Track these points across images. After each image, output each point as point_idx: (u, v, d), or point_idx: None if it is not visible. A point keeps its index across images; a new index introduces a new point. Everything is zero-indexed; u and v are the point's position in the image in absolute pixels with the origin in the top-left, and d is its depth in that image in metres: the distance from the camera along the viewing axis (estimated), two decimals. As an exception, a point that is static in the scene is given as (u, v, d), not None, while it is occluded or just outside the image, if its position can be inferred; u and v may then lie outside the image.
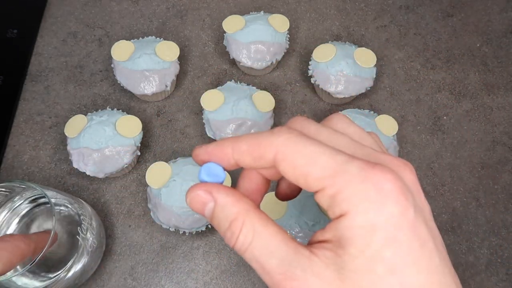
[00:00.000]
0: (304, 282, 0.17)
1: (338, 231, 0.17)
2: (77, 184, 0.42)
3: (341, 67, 0.43)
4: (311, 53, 0.45)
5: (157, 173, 0.38)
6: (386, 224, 0.17)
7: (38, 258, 0.28)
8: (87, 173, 0.39)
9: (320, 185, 0.17)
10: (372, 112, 0.43)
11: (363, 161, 0.17)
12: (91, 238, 0.34)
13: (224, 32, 0.46)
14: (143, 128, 0.43)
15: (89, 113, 0.42)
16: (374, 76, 0.44)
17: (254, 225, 0.18)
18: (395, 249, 0.17)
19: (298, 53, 0.50)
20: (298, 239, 0.36)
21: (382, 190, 0.17)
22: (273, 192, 0.38)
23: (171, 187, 0.37)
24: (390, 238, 0.17)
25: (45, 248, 0.28)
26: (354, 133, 0.21)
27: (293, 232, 0.36)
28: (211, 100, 0.41)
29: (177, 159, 0.40)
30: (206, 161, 0.21)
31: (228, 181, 0.39)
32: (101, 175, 0.40)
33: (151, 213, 0.38)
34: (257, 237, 0.18)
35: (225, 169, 0.21)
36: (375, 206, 0.17)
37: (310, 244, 0.19)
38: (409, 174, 0.19)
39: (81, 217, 0.34)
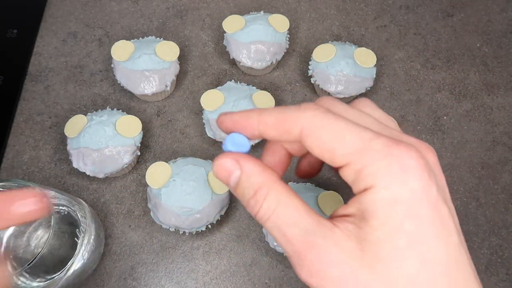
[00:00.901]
0: (324, 250, 0.17)
1: (361, 204, 0.18)
2: (77, 184, 0.42)
3: (341, 67, 0.43)
4: (311, 53, 0.45)
5: (157, 173, 0.38)
6: (408, 198, 0.17)
7: (36, 258, 0.28)
8: (87, 173, 0.39)
9: (345, 161, 0.18)
10: (372, 112, 0.43)
11: (388, 138, 0.18)
12: (90, 238, 0.34)
13: (224, 32, 0.46)
14: (143, 128, 0.43)
15: (89, 113, 0.42)
16: (374, 76, 0.44)
17: (278, 195, 0.19)
18: (416, 223, 0.17)
19: (298, 53, 0.50)
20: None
21: (406, 166, 0.17)
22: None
23: (171, 187, 0.37)
24: (411, 212, 0.17)
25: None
26: (380, 117, 0.21)
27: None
28: (211, 100, 0.41)
29: (177, 159, 0.40)
30: (230, 128, 0.21)
31: None
32: (101, 175, 0.40)
33: (151, 213, 0.38)
34: (281, 206, 0.19)
35: (249, 140, 0.21)
36: (398, 181, 0.17)
37: (331, 218, 0.19)
38: (432, 156, 0.20)
39: (81, 217, 0.34)
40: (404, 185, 0.17)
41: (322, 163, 0.24)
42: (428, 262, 0.17)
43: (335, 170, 0.21)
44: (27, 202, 0.20)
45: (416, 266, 0.17)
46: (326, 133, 0.18)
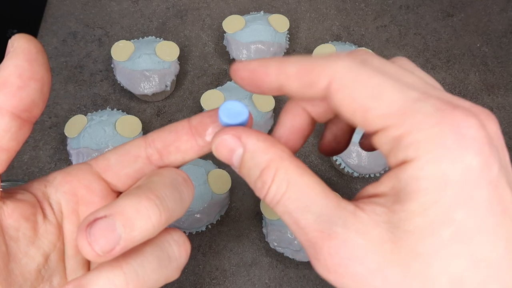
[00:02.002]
0: (344, 241, 0.14)
1: (399, 181, 0.14)
2: (77, 184, 0.42)
3: (341, 67, 0.43)
4: (311, 53, 0.45)
5: (157, 173, 0.38)
6: (462, 178, 0.13)
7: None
8: (87, 173, 0.39)
9: (383, 123, 0.14)
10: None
11: (440, 100, 0.14)
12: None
13: (224, 32, 0.46)
14: (143, 128, 0.43)
15: (89, 113, 0.42)
16: (374, 76, 0.44)
17: (288, 174, 0.15)
18: (469, 210, 0.13)
19: (298, 53, 0.50)
20: (298, 240, 0.36)
21: (463, 136, 0.13)
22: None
23: (171, 187, 0.37)
24: (464, 197, 0.13)
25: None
26: (424, 77, 0.16)
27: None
28: (211, 100, 0.41)
29: (177, 159, 0.40)
30: (246, 78, 0.17)
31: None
32: (101, 175, 0.40)
33: (151, 213, 0.38)
34: (291, 187, 0.15)
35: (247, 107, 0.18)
36: (452, 154, 0.13)
37: (357, 199, 0.15)
38: (493, 126, 0.15)
39: (81, 217, 0.34)
40: (458, 161, 0.13)
41: (350, 135, 0.20)
42: (481, 262, 0.13)
43: (367, 140, 0.17)
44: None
45: (464, 266, 0.13)
46: (361, 87, 0.14)
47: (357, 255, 0.14)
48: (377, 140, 0.15)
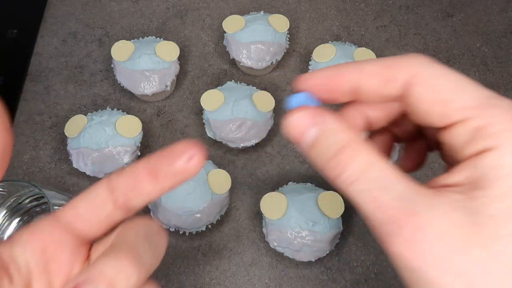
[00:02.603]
0: (430, 220, 0.14)
1: (478, 169, 0.14)
2: (77, 184, 0.42)
3: (341, 67, 0.43)
4: (311, 53, 0.45)
5: (157, 173, 0.38)
6: None
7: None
8: (87, 173, 0.39)
9: (463, 115, 0.15)
10: (372, 112, 0.43)
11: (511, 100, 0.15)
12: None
13: (224, 32, 0.46)
14: (143, 128, 0.43)
15: (89, 113, 0.42)
16: (374, 76, 0.44)
17: (369, 154, 0.15)
18: None
19: (298, 53, 0.50)
20: (298, 239, 0.36)
21: None
22: (273, 193, 0.38)
23: (171, 187, 0.37)
24: None
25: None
26: None
27: (294, 232, 0.36)
28: (211, 100, 0.41)
29: (177, 159, 0.40)
30: (319, 84, 0.17)
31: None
32: (101, 175, 0.40)
33: (151, 213, 0.38)
34: (372, 167, 0.15)
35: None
36: None
37: (430, 188, 0.15)
38: None
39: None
40: None
41: (426, 148, 0.21)
42: None
43: (433, 137, 0.18)
44: (189, 155, 0.17)
45: None
46: (443, 81, 0.15)
47: (442, 235, 0.14)
48: (454, 133, 0.15)
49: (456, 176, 0.15)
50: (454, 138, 0.15)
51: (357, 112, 0.19)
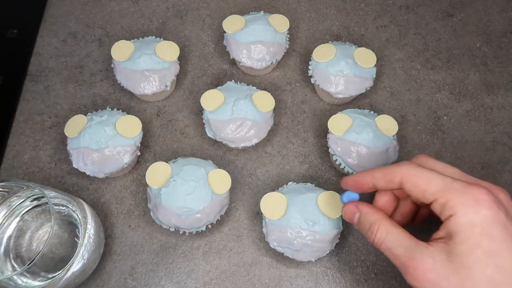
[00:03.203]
0: (421, 261, 0.25)
1: (448, 228, 0.25)
2: (77, 184, 0.42)
3: (341, 67, 0.43)
4: (311, 53, 0.45)
5: (157, 173, 0.38)
6: (482, 222, 0.24)
7: (36, 258, 0.28)
8: (87, 173, 0.39)
9: (434, 197, 0.26)
10: (372, 112, 0.43)
11: (464, 182, 0.26)
12: (90, 238, 0.34)
13: (224, 32, 0.46)
14: (143, 128, 0.43)
15: (89, 113, 0.42)
16: (374, 76, 0.44)
17: (387, 227, 0.28)
18: (490, 239, 0.24)
19: (298, 53, 0.50)
20: (298, 239, 0.36)
21: (478, 199, 0.25)
22: (273, 193, 0.38)
23: (171, 187, 0.37)
24: (485, 232, 0.24)
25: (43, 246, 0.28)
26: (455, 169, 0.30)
27: (294, 232, 0.36)
28: (211, 100, 0.41)
29: (177, 159, 0.40)
30: (352, 185, 0.32)
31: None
32: (101, 175, 0.40)
33: (151, 213, 0.38)
34: (389, 234, 0.27)
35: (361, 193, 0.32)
36: (473, 209, 0.24)
37: (428, 242, 0.26)
38: (503, 194, 0.27)
39: (81, 217, 0.34)
40: (478, 212, 0.24)
41: (412, 216, 0.33)
42: (503, 269, 0.23)
43: (426, 208, 0.31)
44: None
45: (493, 271, 0.23)
46: (420, 179, 0.27)
47: (430, 268, 0.25)
48: (433, 207, 0.27)
49: (440, 232, 0.26)
50: (434, 210, 0.27)
51: (385, 196, 0.32)
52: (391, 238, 0.27)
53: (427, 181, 0.27)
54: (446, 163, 0.30)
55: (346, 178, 0.32)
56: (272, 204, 0.37)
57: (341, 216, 0.37)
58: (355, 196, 0.32)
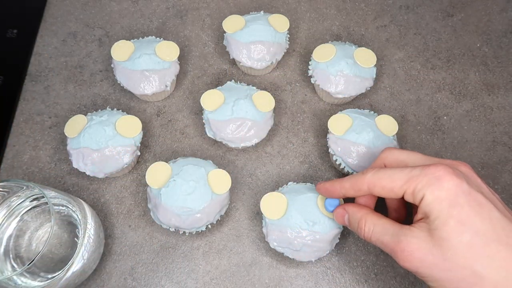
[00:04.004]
0: (407, 242, 0.27)
1: (422, 209, 0.27)
2: (77, 184, 0.42)
3: (341, 67, 0.43)
4: (311, 53, 0.45)
5: (157, 173, 0.38)
6: (447, 195, 0.26)
7: (36, 258, 0.28)
8: (87, 173, 0.39)
9: (402, 191, 0.28)
10: (372, 112, 0.43)
11: (421, 166, 0.28)
12: (90, 239, 0.34)
13: (224, 32, 0.46)
14: (143, 128, 0.43)
15: (89, 113, 0.42)
16: (374, 76, 0.44)
17: (372, 219, 0.30)
18: (459, 209, 0.26)
19: (298, 53, 0.50)
20: (298, 239, 0.36)
21: (439, 176, 0.27)
22: (273, 193, 0.38)
23: (171, 187, 0.37)
24: (452, 202, 0.26)
25: (43, 246, 0.28)
26: (421, 156, 0.32)
27: (294, 232, 0.36)
28: (211, 100, 0.41)
29: (177, 159, 0.40)
30: (324, 192, 0.34)
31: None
32: (101, 175, 0.40)
33: (151, 213, 0.38)
34: (375, 225, 0.30)
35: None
36: (437, 187, 0.26)
37: (410, 225, 0.29)
38: (463, 166, 0.29)
39: (81, 217, 0.34)
40: (441, 187, 0.26)
41: (405, 209, 0.35)
42: (478, 233, 0.25)
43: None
44: None
45: (469, 236, 0.25)
46: (384, 181, 0.29)
47: (416, 247, 0.27)
48: (406, 199, 0.29)
49: (418, 215, 0.28)
50: (408, 200, 0.29)
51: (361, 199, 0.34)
52: (378, 229, 0.29)
53: (391, 179, 0.29)
54: (409, 151, 0.32)
55: (319, 185, 0.34)
56: (272, 204, 0.37)
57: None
58: (336, 203, 0.35)
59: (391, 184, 0.29)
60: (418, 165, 0.28)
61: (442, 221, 0.26)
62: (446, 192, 0.26)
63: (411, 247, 0.27)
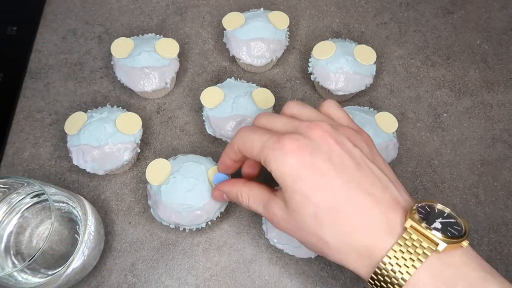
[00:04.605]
0: (273, 211, 0.29)
1: (274, 175, 0.28)
2: (77, 181, 0.42)
3: (341, 64, 0.43)
4: (311, 50, 0.45)
5: (157, 170, 0.38)
6: (289, 170, 0.27)
7: (37, 254, 0.28)
8: (87, 170, 0.39)
9: (258, 157, 0.29)
10: (372, 109, 0.43)
11: (277, 136, 0.28)
12: (90, 235, 0.34)
13: (224, 29, 0.46)
14: (143, 125, 0.43)
15: (89, 110, 0.42)
16: (374, 73, 0.44)
17: (246, 192, 0.32)
18: (301, 183, 0.27)
19: (298, 50, 0.50)
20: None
21: (286, 151, 0.27)
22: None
23: (171, 184, 0.37)
24: (295, 178, 0.27)
25: (44, 242, 0.28)
26: (332, 113, 0.32)
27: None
28: (211, 97, 0.41)
29: (177, 156, 0.40)
30: (221, 168, 0.36)
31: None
32: (101, 172, 0.40)
33: (151, 210, 0.38)
34: (250, 197, 0.32)
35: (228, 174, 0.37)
36: (281, 161, 0.27)
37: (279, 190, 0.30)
38: (316, 131, 0.28)
39: (81, 214, 0.34)
40: (285, 163, 0.27)
41: (259, 166, 0.35)
42: (321, 206, 0.26)
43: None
44: None
45: (314, 209, 0.27)
46: (247, 144, 0.30)
47: (279, 216, 0.29)
48: (262, 164, 0.30)
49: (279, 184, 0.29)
50: (264, 165, 0.29)
51: (250, 159, 0.34)
52: (252, 200, 0.31)
53: (251, 143, 0.29)
54: (340, 109, 0.32)
55: (218, 164, 0.36)
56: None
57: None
58: (225, 177, 0.36)
59: (251, 149, 0.29)
60: (274, 135, 0.28)
61: (289, 194, 0.27)
62: (289, 167, 0.27)
63: (277, 216, 0.29)
